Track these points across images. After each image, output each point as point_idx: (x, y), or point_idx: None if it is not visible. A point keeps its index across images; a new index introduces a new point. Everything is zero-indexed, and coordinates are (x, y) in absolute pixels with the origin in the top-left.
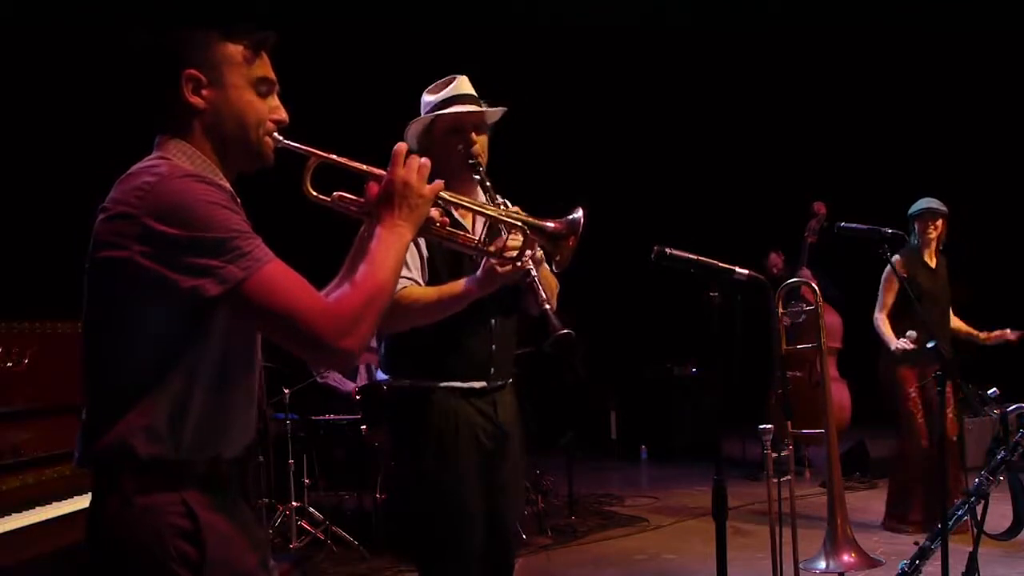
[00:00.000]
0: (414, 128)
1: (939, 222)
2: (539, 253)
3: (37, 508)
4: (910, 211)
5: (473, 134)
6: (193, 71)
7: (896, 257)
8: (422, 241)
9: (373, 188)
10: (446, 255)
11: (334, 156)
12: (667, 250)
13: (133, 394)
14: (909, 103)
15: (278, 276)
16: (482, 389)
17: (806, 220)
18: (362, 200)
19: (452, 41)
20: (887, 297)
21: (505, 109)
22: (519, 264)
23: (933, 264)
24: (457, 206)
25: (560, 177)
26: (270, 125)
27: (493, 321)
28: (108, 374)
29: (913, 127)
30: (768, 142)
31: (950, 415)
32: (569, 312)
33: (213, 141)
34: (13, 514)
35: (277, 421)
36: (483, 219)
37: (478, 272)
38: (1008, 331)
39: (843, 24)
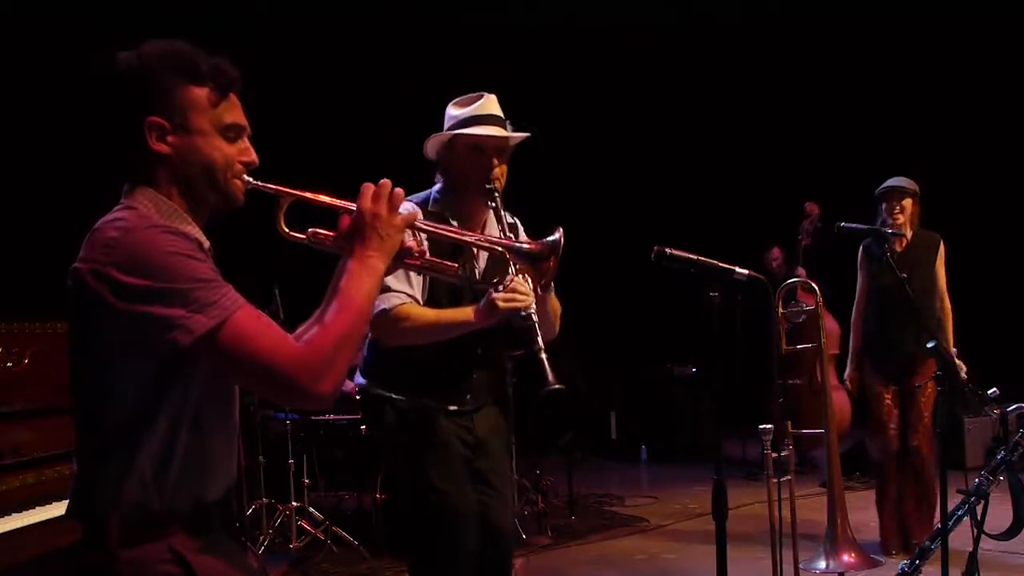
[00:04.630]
0: (435, 141)
1: (906, 201)
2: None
3: (37, 508)
4: (876, 192)
5: (495, 159)
6: (156, 118)
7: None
8: None
9: (345, 221)
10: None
11: (306, 194)
12: (667, 250)
13: (117, 444)
14: (909, 102)
15: (247, 323)
16: (455, 411)
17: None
18: (334, 234)
19: (448, 42)
20: (857, 291)
21: (528, 135)
22: (521, 303)
23: (899, 249)
24: (431, 234)
25: (560, 177)
26: (239, 168)
27: (479, 350)
28: (93, 426)
29: (914, 126)
30: (767, 142)
31: (926, 420)
32: (569, 312)
33: (180, 186)
34: (13, 514)
35: (277, 421)
36: (487, 251)
37: (480, 303)
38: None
39: (843, 24)
